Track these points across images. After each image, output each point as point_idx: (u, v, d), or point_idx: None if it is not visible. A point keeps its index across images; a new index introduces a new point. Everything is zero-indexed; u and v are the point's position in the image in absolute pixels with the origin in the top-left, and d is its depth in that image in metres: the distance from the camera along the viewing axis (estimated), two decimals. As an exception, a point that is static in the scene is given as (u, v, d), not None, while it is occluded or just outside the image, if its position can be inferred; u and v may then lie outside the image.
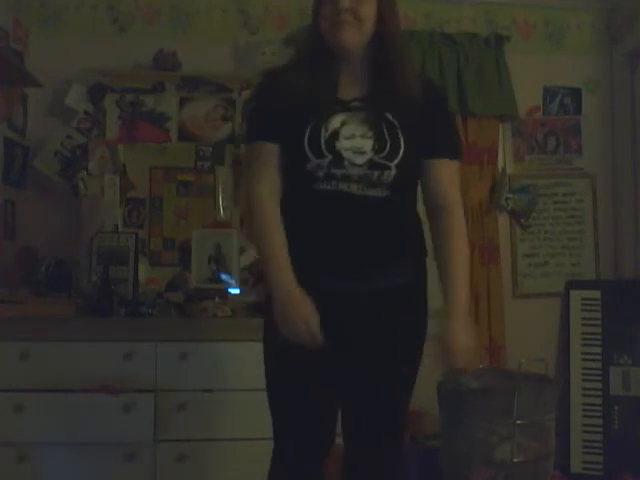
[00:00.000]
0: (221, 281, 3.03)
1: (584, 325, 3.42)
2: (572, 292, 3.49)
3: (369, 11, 1.69)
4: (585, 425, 3.30)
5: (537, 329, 3.42)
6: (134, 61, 3.33)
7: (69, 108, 3.26)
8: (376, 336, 1.73)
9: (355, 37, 1.70)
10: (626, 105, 3.58)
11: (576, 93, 3.65)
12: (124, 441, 2.65)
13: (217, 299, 2.90)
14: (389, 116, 1.71)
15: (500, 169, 3.54)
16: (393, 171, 1.69)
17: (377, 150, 1.68)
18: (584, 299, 3.45)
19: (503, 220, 3.55)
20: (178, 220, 3.33)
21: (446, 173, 1.79)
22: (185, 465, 2.66)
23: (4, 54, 2.83)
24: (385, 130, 1.69)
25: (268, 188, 1.75)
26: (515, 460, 2.67)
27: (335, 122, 1.69)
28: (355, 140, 1.69)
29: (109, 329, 2.73)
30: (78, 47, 3.30)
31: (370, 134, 1.69)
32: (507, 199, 3.52)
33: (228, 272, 3.05)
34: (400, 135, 1.69)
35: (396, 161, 1.69)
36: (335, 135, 1.68)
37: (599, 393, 3.31)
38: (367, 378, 1.74)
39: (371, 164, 1.68)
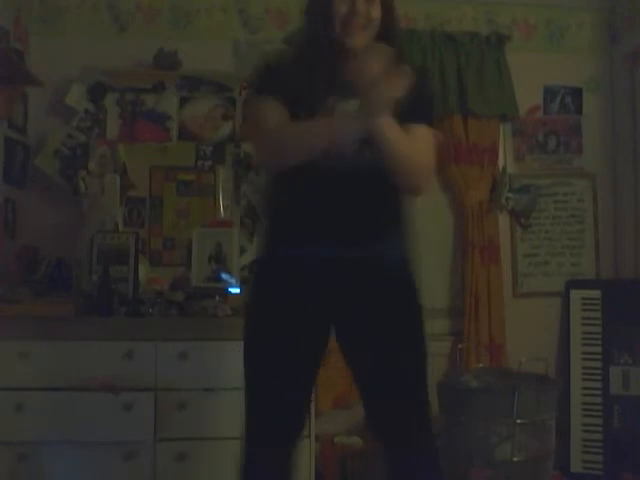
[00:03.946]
0: (221, 280, 3.03)
1: (584, 325, 3.42)
2: (572, 292, 3.49)
3: (377, 13, 1.73)
4: (585, 425, 3.30)
5: (537, 329, 3.42)
6: (134, 60, 3.33)
7: (69, 107, 3.26)
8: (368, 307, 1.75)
9: (364, 39, 1.73)
10: (626, 105, 3.57)
11: (576, 93, 3.65)
12: (124, 440, 2.65)
13: (217, 298, 2.90)
14: None
15: (500, 169, 3.54)
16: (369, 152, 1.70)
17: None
18: (584, 299, 3.45)
19: (503, 220, 3.55)
20: (178, 219, 3.33)
21: (414, 131, 1.73)
22: (185, 464, 2.66)
23: (5, 53, 2.83)
24: None
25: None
26: (515, 459, 2.68)
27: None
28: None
29: (109, 328, 2.73)
30: (78, 46, 3.29)
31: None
32: (507, 199, 3.52)
33: (228, 271, 3.06)
34: None
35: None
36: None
37: (599, 392, 3.31)
38: (366, 345, 1.77)
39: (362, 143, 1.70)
